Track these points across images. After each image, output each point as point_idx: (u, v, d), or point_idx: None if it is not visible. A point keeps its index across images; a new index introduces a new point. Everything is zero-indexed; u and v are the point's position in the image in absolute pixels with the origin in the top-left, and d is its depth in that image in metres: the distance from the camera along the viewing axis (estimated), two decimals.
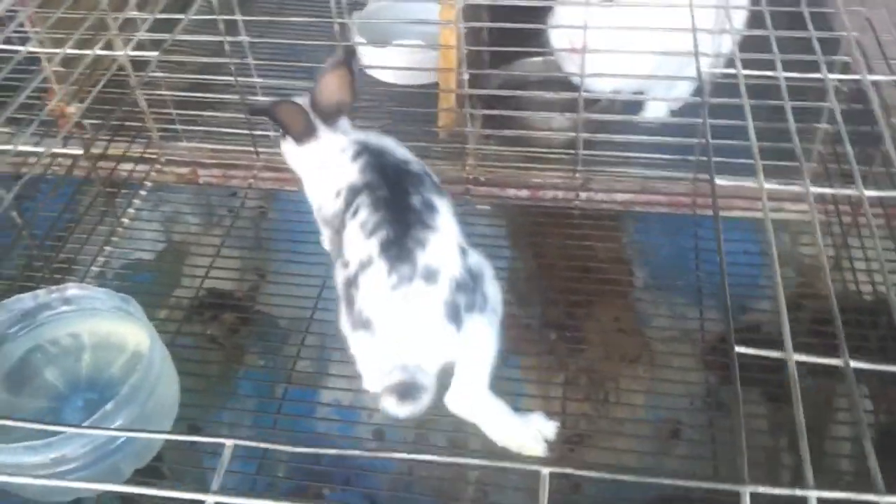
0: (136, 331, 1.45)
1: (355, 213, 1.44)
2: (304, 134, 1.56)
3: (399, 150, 1.56)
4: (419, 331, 1.38)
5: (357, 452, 0.75)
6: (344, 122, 1.60)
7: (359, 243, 1.41)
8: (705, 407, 1.61)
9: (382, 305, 1.38)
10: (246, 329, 1.81)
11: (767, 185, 1.04)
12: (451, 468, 1.56)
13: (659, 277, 1.89)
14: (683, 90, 2.01)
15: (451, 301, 1.38)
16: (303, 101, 1.57)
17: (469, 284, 1.41)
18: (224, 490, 0.65)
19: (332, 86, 1.55)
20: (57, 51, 1.54)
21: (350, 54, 1.61)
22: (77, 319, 1.51)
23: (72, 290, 1.48)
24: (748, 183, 1.07)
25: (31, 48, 1.51)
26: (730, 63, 1.79)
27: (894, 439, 1.53)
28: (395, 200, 1.42)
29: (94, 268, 1.85)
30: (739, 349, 0.77)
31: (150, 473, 1.43)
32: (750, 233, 1.92)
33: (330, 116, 1.57)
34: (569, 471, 0.68)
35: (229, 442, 0.73)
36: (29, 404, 1.44)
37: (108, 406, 1.23)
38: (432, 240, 1.39)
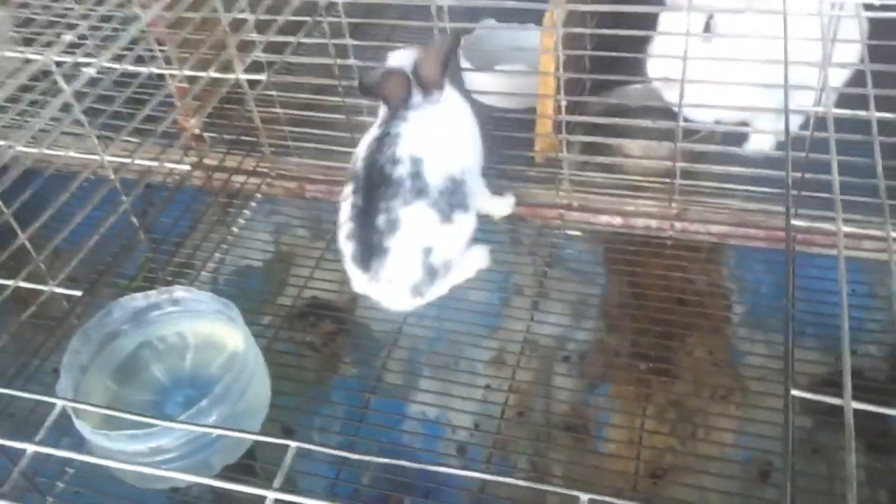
0: (235, 333, 1.53)
1: None
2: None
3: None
4: None
5: (413, 465, 0.78)
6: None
7: None
8: (799, 451, 1.56)
9: None
10: (342, 338, 1.87)
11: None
12: (531, 491, 1.57)
13: (756, 314, 1.84)
14: (791, 124, 1.95)
15: None
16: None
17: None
18: (286, 488, 0.69)
19: (427, 62, 1.67)
20: (175, 71, 1.65)
21: (453, 40, 1.77)
22: (183, 320, 1.61)
23: (179, 292, 1.58)
24: (873, 230, 1.02)
25: (154, 68, 1.62)
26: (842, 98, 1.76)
27: None
28: None
29: (204, 272, 1.95)
30: (795, 392, 0.75)
31: (241, 470, 1.50)
32: (857, 273, 1.84)
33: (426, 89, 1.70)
34: (608, 499, 0.69)
35: (293, 444, 0.79)
36: (135, 396, 1.54)
37: (203, 403, 1.31)
38: None
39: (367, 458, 0.80)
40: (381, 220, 1.57)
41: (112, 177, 1.58)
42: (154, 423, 1.22)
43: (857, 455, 1.53)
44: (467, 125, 1.76)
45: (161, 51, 1.72)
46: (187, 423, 1.13)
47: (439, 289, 1.69)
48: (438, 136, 1.64)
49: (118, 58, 1.52)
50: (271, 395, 1.58)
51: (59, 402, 0.86)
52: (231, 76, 1.79)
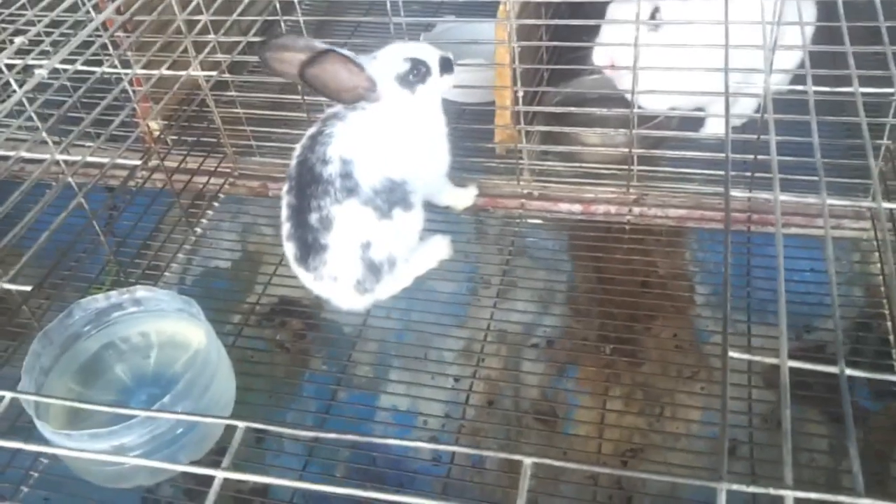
0: (197, 331, 1.53)
1: None
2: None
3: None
4: None
5: (363, 439, 0.79)
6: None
7: None
8: (763, 425, 1.58)
9: None
10: (312, 335, 1.87)
11: (831, 201, 1.02)
12: (506, 476, 1.58)
13: (719, 294, 1.87)
14: (746, 107, 1.99)
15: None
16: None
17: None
18: (232, 468, 0.70)
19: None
20: (128, 71, 1.65)
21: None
22: (146, 319, 1.60)
23: (140, 291, 1.57)
24: (810, 199, 1.05)
25: (106, 69, 1.61)
26: (796, 79, 1.79)
27: None
28: None
29: (171, 274, 1.95)
30: (733, 354, 0.78)
31: (209, 465, 1.49)
32: (816, 251, 1.88)
33: None
34: (548, 461, 0.70)
35: (241, 424, 0.81)
36: (98, 397, 1.52)
37: (165, 399, 1.31)
38: None
39: (316, 434, 0.79)
40: (313, 218, 1.57)
41: (70, 179, 1.57)
42: (120, 411, 1.20)
43: (820, 426, 1.58)
44: (416, 130, 1.71)
45: (117, 54, 1.71)
46: (154, 412, 1.12)
47: (390, 285, 1.70)
48: (373, 139, 1.62)
49: (72, 60, 1.51)
50: (241, 394, 1.58)
51: (7, 395, 0.84)
52: (183, 73, 1.78)
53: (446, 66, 1.70)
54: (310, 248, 1.60)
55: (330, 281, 1.63)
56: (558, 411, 1.68)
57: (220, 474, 0.72)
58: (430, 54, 1.68)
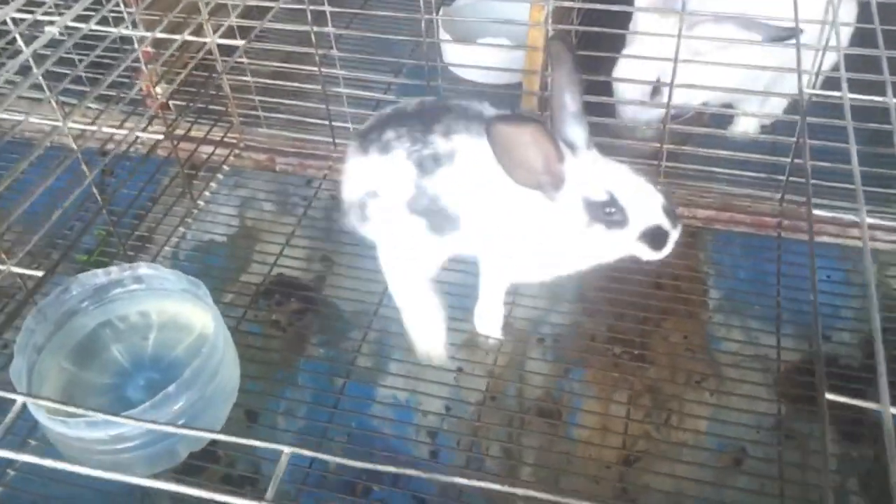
0: (203, 314, 1.47)
1: None
2: None
3: None
4: None
5: (408, 471, 0.73)
6: None
7: None
8: (773, 438, 1.54)
9: None
10: (309, 317, 1.82)
11: (870, 220, 0.96)
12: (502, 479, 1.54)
13: (735, 299, 1.82)
14: (776, 107, 1.92)
15: None
16: None
17: None
18: (279, 498, 0.62)
19: None
20: (146, 34, 1.57)
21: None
22: (147, 298, 1.54)
23: (143, 268, 1.51)
24: (847, 215, 0.99)
25: (122, 30, 1.53)
26: (829, 83, 1.73)
27: None
28: None
29: (167, 248, 1.89)
30: (830, 396, 0.71)
31: (205, 457, 1.45)
32: (834, 260, 1.83)
33: None
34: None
35: (287, 449, 0.70)
36: (94, 379, 1.47)
37: (171, 388, 1.25)
38: None
39: (365, 465, 0.73)
40: None
41: (74, 147, 1.50)
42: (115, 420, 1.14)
43: (830, 443, 1.54)
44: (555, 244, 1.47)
45: (129, 13, 1.63)
46: (135, 420, 1.06)
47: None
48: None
49: (83, 18, 1.43)
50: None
51: (20, 399, 0.79)
52: (202, 40, 1.71)
53: (657, 239, 1.38)
54: None
55: None
56: (563, 412, 1.64)
57: None
58: (649, 209, 1.37)
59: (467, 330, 1.73)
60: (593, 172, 1.36)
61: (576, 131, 1.37)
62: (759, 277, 1.82)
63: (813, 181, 1.11)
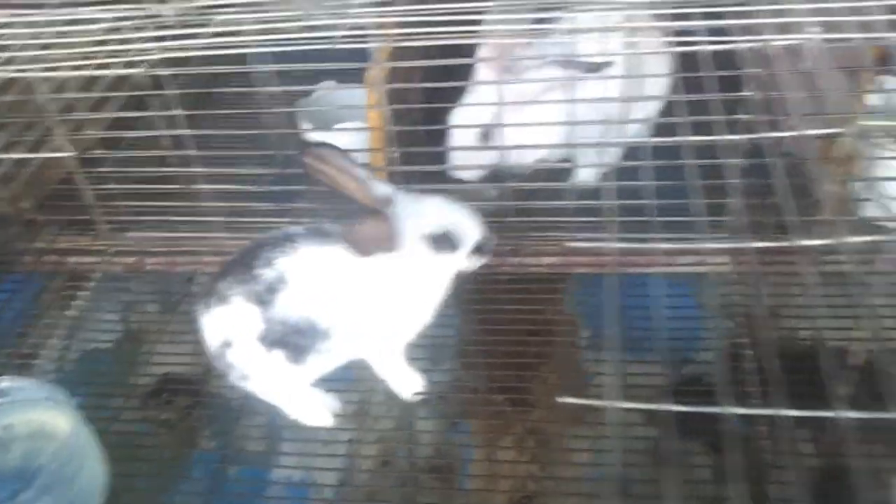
0: (64, 419, 1.47)
1: None
2: None
3: None
4: None
5: None
6: None
7: None
8: (647, 461, 1.64)
9: None
10: (199, 411, 1.82)
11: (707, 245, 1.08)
12: None
13: (600, 336, 1.93)
14: (614, 156, 2.09)
15: None
16: None
17: None
18: None
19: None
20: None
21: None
22: (11, 411, 1.52)
23: (3, 382, 1.50)
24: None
25: None
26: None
27: (834, 482, 1.55)
28: None
29: (47, 360, 1.87)
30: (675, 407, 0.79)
31: None
32: (682, 287, 1.97)
33: None
34: None
35: None
36: None
37: (29, 493, 1.25)
38: None
39: None
40: None
41: None
42: None
43: (701, 456, 1.65)
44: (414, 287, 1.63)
45: None
46: None
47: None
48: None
49: None
50: (127, 480, 1.53)
51: None
52: (60, 155, 1.74)
53: (484, 249, 1.61)
54: None
55: None
56: (454, 465, 1.70)
57: None
58: (468, 230, 1.58)
59: (355, 401, 1.78)
60: (420, 212, 1.55)
61: (382, 188, 1.55)
62: (621, 314, 1.93)
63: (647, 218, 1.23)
